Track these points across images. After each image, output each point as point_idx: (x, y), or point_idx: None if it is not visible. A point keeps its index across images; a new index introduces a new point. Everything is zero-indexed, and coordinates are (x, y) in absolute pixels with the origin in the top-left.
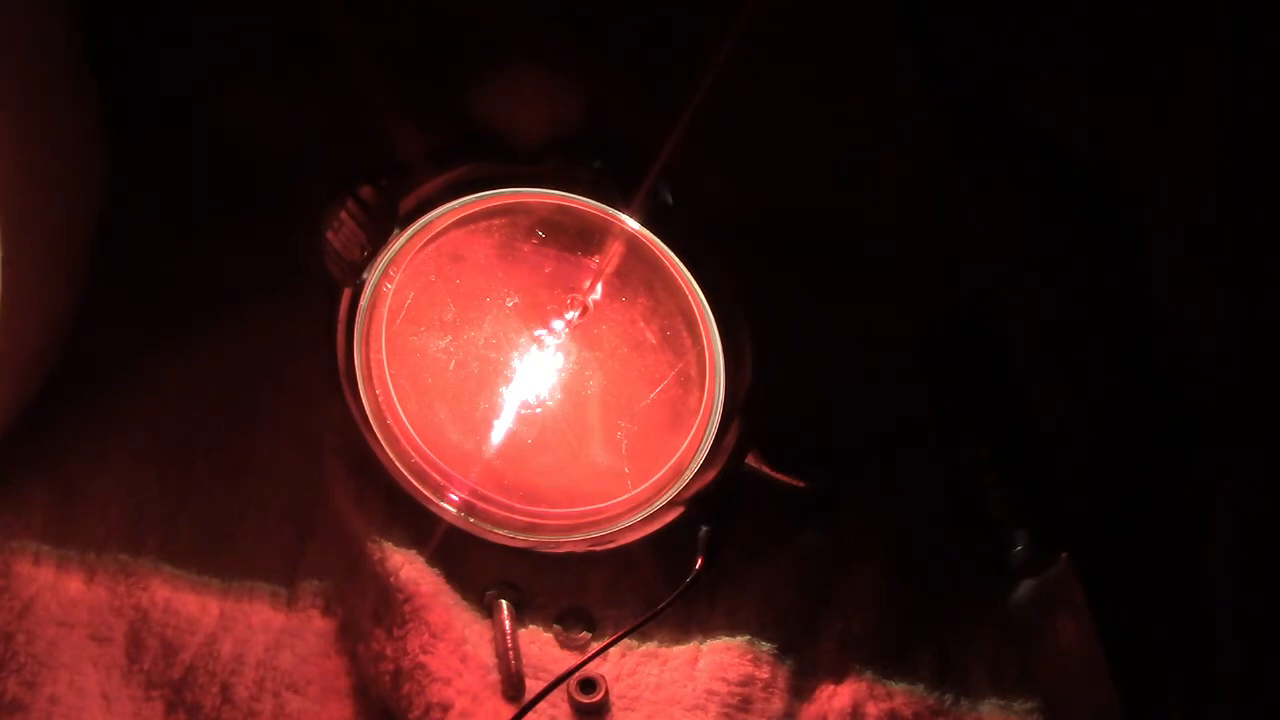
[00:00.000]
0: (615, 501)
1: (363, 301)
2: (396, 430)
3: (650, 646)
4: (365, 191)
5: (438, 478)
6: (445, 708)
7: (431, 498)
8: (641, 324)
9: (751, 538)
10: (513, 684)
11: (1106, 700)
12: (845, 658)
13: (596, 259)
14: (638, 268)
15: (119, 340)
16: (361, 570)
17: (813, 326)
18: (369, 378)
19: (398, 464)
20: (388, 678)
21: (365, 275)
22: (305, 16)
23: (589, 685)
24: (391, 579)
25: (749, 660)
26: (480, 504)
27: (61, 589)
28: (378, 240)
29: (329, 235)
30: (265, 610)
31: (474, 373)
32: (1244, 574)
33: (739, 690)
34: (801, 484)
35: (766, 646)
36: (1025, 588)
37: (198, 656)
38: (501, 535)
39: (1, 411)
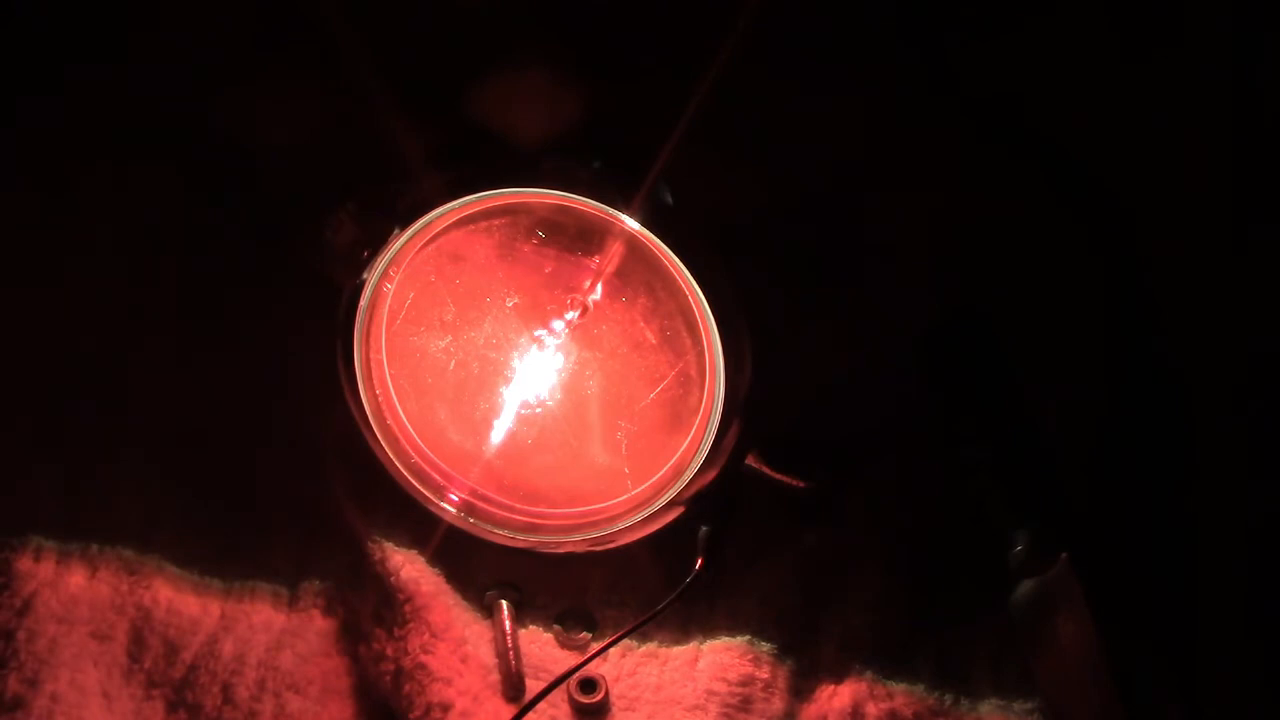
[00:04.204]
0: (615, 501)
1: (363, 301)
2: (396, 430)
3: (650, 647)
4: (365, 191)
5: (438, 478)
6: (446, 708)
7: (431, 498)
8: (641, 324)
9: (751, 538)
10: (513, 684)
11: (1106, 700)
12: (845, 658)
13: (596, 259)
14: (638, 268)
15: (120, 340)
16: (362, 570)
17: (812, 326)
18: (369, 378)
19: (398, 464)
20: (388, 678)
21: (365, 275)
22: (305, 16)
23: (589, 685)
24: (392, 579)
25: (749, 660)
26: (480, 504)
27: (62, 586)
28: (378, 240)
29: (329, 235)
30: (267, 610)
31: (474, 373)
32: (1244, 574)
33: (739, 690)
34: (801, 484)
35: (766, 646)
36: (1025, 588)
37: (199, 656)
38: (501, 535)
39: None
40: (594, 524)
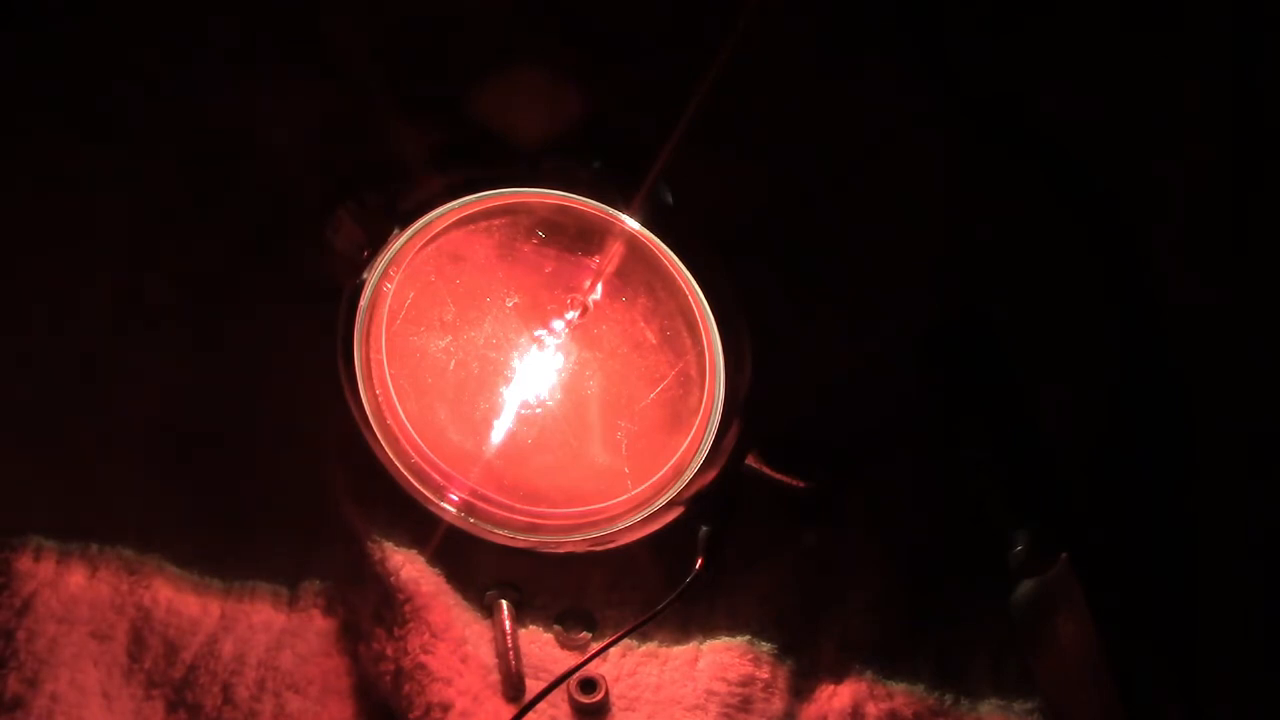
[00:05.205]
0: (615, 501)
1: (363, 301)
2: (396, 430)
3: (650, 646)
4: (365, 191)
5: (438, 478)
6: (446, 708)
7: (431, 498)
8: (641, 324)
9: (751, 538)
10: (513, 684)
11: (1106, 700)
12: (845, 658)
13: (596, 259)
14: (638, 268)
15: (120, 340)
16: (362, 570)
17: (812, 327)
18: (369, 378)
19: (398, 464)
20: (388, 677)
21: (365, 275)
22: (305, 16)
23: (589, 685)
24: (392, 579)
25: (749, 660)
26: (480, 504)
27: (62, 586)
28: (378, 240)
29: (329, 235)
30: (267, 610)
31: (474, 373)
32: (1244, 574)
33: (739, 690)
34: (801, 484)
35: (766, 646)
36: (1025, 588)
37: (199, 656)
38: (502, 535)
39: None
40: (594, 524)
